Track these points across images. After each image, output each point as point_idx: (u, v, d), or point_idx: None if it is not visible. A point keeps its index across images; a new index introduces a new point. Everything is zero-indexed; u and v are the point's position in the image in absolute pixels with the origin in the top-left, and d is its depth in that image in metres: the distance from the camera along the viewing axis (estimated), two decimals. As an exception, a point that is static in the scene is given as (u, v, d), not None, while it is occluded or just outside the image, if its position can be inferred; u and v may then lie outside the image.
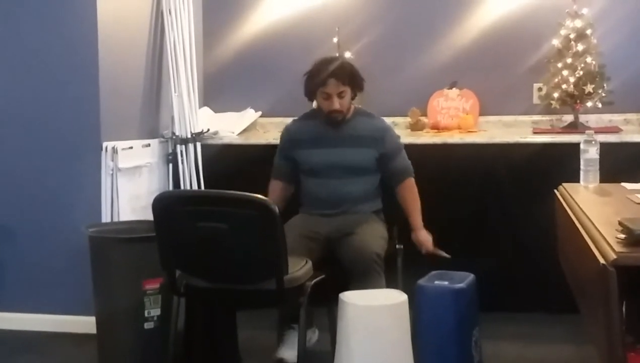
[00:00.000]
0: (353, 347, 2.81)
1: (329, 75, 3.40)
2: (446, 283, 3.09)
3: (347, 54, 4.44)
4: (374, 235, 3.32)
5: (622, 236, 2.00)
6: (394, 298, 2.91)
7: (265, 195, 2.83)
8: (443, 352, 3.04)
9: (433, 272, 3.20)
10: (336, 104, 3.42)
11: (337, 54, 3.60)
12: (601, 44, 4.17)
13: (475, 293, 3.16)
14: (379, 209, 3.55)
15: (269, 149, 4.13)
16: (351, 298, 2.88)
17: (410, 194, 3.50)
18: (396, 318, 2.85)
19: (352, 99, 3.53)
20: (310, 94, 3.51)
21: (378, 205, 3.55)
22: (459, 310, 3.05)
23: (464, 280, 3.12)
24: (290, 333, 3.31)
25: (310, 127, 3.55)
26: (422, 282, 3.12)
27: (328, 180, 3.47)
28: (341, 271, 3.25)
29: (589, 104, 4.16)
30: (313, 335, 3.49)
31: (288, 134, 3.61)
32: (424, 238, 3.45)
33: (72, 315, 3.78)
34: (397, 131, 4.43)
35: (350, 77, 3.45)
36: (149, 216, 3.00)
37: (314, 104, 3.65)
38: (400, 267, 3.43)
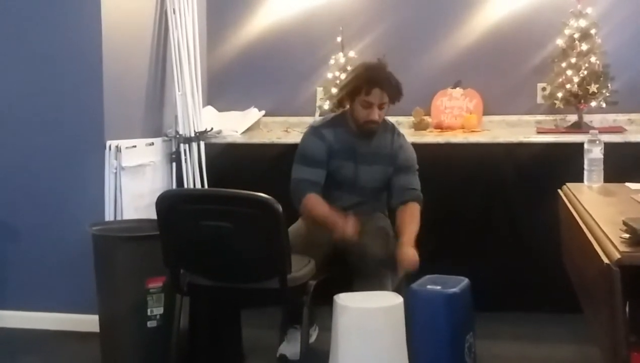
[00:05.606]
0: (347, 349, 2.79)
1: (376, 84, 3.22)
2: (439, 287, 3.03)
3: (351, 53, 4.45)
4: (375, 240, 3.21)
5: (626, 236, 2.00)
6: (389, 301, 2.89)
7: (269, 194, 2.79)
8: (435, 357, 2.99)
9: (427, 276, 3.15)
10: (375, 114, 3.24)
11: (378, 60, 3.38)
12: (605, 43, 4.16)
13: (470, 298, 3.11)
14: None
15: (273, 147, 4.14)
16: (345, 300, 2.86)
17: (410, 216, 3.22)
18: (391, 320, 2.83)
19: None
20: (348, 99, 3.31)
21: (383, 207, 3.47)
22: (451, 314, 2.99)
23: (457, 284, 3.05)
24: (293, 331, 3.30)
25: (343, 136, 3.32)
26: (414, 286, 3.07)
27: (345, 194, 3.33)
28: (346, 271, 3.20)
29: (593, 103, 4.15)
30: (313, 333, 3.48)
31: (323, 141, 3.30)
32: (412, 254, 3.08)
33: (75, 314, 3.78)
34: (401, 130, 4.43)
35: (394, 90, 3.27)
36: (152, 215, 3.00)
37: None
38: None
